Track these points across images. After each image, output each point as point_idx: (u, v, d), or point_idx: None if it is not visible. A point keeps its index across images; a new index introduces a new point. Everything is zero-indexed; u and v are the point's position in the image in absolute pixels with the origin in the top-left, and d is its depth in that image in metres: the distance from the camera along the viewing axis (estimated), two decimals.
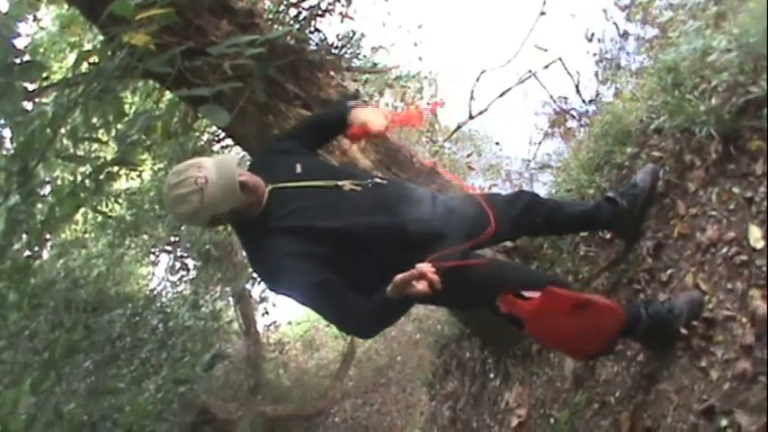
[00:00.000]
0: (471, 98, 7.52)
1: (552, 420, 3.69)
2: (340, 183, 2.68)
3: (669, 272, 3.01)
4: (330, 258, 2.48)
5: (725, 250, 2.69)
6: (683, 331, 2.69)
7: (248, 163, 2.94)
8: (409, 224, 2.64)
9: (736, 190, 2.74)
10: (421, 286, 2.24)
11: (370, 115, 2.91)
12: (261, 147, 2.99)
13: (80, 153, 3.77)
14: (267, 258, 2.57)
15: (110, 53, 3.25)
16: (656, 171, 3.21)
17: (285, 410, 10.60)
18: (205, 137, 7.60)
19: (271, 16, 4.35)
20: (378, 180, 2.78)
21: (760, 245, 2.52)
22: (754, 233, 2.56)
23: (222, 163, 2.49)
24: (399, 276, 2.28)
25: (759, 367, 2.33)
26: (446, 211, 2.80)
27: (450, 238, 2.66)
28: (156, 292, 9.08)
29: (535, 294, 2.58)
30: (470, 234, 2.76)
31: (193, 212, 2.48)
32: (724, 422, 2.38)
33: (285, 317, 12.04)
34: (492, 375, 4.58)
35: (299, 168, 2.71)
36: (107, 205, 7.94)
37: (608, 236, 3.56)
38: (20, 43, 3.23)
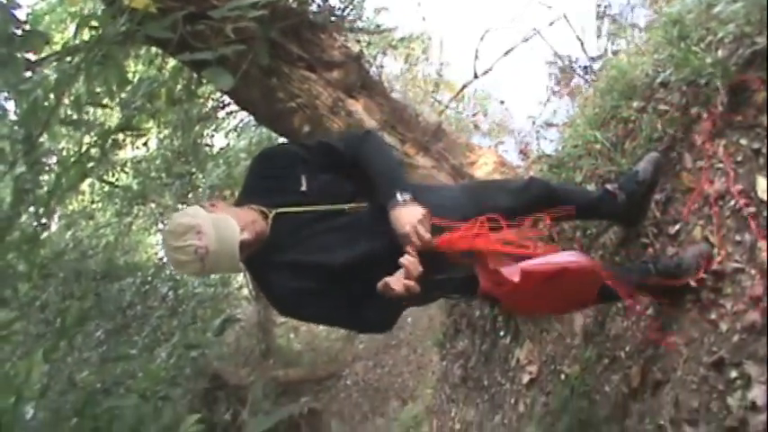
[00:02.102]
0: (476, 58, 7.49)
1: (563, 376, 3.71)
2: (345, 207, 2.60)
3: (677, 226, 3.00)
4: (336, 289, 2.55)
5: (733, 203, 2.67)
6: (693, 284, 2.69)
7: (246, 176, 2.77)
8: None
9: (743, 142, 2.72)
10: (398, 288, 2.31)
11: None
12: (266, 150, 2.78)
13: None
14: (273, 292, 2.62)
15: (111, 18, 3.22)
16: (659, 160, 3.12)
17: (296, 374, 10.71)
18: (210, 103, 7.61)
19: None
20: None
21: None
22: (762, 185, 2.55)
23: (224, 232, 2.35)
24: (380, 283, 2.35)
25: None
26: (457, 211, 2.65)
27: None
28: (165, 260, 9.12)
29: (513, 271, 2.51)
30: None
31: (193, 274, 2.63)
32: (734, 374, 2.39)
33: None
34: (502, 333, 4.61)
35: (304, 184, 2.60)
36: (113, 175, 7.97)
37: None
38: (20, 14, 3.21)
